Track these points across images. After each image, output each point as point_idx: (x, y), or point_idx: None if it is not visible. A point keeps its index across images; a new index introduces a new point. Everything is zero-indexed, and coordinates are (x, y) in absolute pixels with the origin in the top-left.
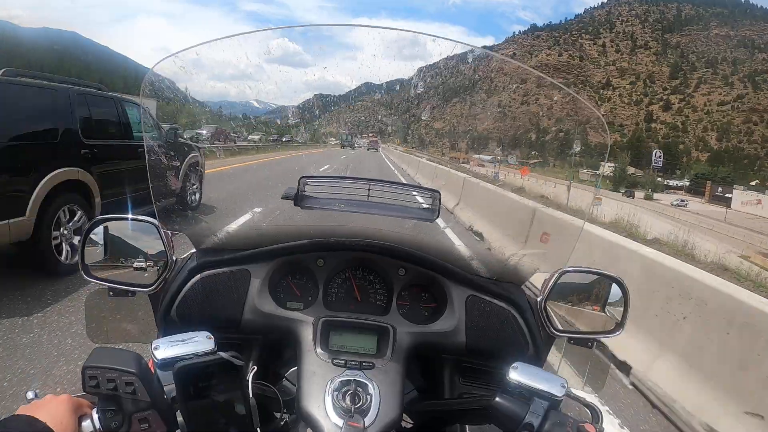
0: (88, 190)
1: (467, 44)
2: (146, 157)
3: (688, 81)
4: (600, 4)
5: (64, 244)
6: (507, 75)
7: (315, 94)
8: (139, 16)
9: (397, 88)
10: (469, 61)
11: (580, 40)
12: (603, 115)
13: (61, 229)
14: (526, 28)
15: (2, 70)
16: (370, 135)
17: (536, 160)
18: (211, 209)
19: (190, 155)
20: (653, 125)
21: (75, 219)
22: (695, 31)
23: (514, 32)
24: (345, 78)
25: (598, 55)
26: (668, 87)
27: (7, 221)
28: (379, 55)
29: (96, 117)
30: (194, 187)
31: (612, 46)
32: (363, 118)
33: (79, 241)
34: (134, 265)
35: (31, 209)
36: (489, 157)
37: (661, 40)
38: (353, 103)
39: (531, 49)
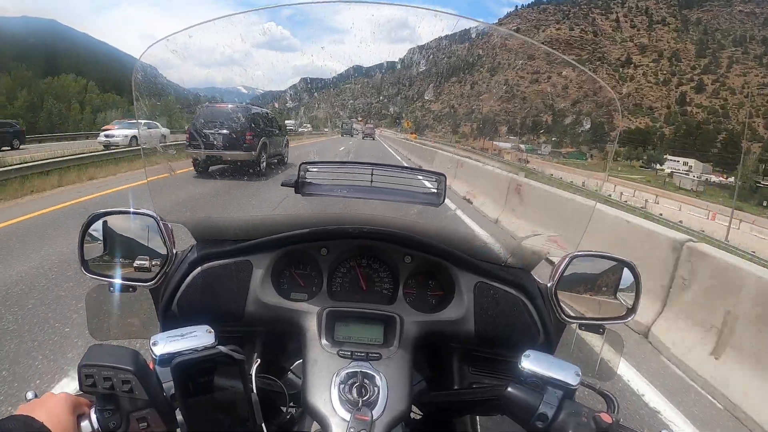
0: (266, 145)
1: (471, 19)
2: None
3: (719, 60)
4: None
5: (262, 165)
6: (511, 51)
7: (302, 78)
8: (124, 4)
9: (398, 66)
10: (473, 35)
11: (591, 15)
12: (629, 96)
13: (266, 155)
14: (531, 2)
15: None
16: (359, 119)
17: (569, 150)
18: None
19: (287, 136)
20: (687, 108)
21: (265, 156)
22: (717, 7)
23: (516, 6)
24: (333, 61)
25: (613, 30)
26: (697, 66)
27: (250, 153)
28: (369, 38)
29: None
30: (286, 153)
31: (626, 22)
32: (352, 101)
33: (264, 158)
34: (134, 260)
35: (258, 150)
36: (509, 145)
37: (679, 16)
38: (342, 85)
39: (537, 23)
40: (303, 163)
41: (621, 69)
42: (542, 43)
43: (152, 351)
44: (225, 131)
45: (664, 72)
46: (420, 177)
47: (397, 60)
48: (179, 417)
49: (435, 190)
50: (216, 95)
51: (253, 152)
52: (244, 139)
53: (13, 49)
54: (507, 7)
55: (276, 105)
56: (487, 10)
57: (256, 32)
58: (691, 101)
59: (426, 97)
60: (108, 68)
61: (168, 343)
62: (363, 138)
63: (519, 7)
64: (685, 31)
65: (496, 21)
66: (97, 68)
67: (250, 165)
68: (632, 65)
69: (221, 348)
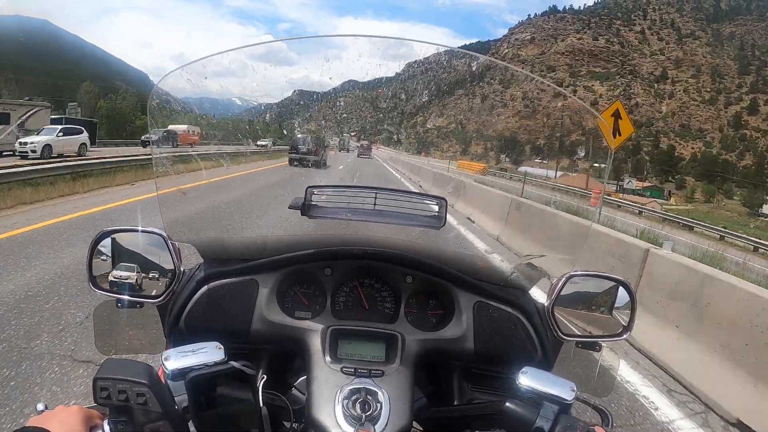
0: (321, 154)
1: (469, 52)
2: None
3: (766, 78)
4: None
5: (321, 163)
6: (527, 63)
7: (295, 91)
8: (119, 11)
9: (396, 81)
10: (474, 68)
11: (614, 25)
12: (673, 116)
13: (322, 157)
14: (545, 10)
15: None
16: (353, 134)
17: (645, 184)
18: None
19: (327, 145)
20: (746, 132)
21: (322, 158)
22: (750, 21)
23: (529, 14)
24: (330, 76)
25: (639, 42)
26: (743, 84)
27: (318, 157)
28: (366, 53)
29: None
30: (327, 160)
31: (653, 34)
32: (345, 115)
33: (322, 159)
34: (142, 277)
35: (320, 156)
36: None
37: (709, 30)
38: (338, 99)
39: (554, 32)
40: (309, 186)
41: (656, 84)
42: (564, 53)
43: (164, 366)
44: (307, 146)
45: (708, 89)
46: (421, 201)
47: (394, 74)
48: (191, 429)
49: (436, 214)
50: (212, 106)
51: (318, 157)
52: (315, 151)
53: (1, 46)
54: (503, 28)
55: (273, 124)
56: (483, 30)
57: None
58: (746, 123)
59: (429, 126)
60: (94, 69)
61: (180, 359)
62: (358, 156)
63: (532, 15)
64: (719, 45)
65: (507, 31)
66: (83, 69)
67: (317, 162)
68: (669, 81)
69: (234, 363)
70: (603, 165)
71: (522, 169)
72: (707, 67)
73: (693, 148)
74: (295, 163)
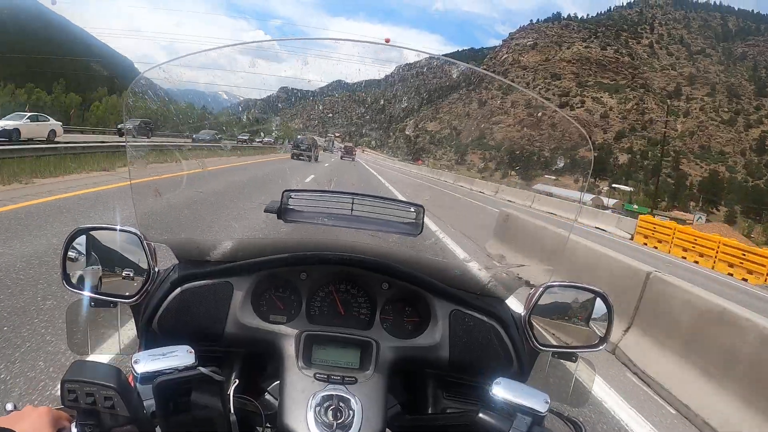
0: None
1: (454, 61)
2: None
3: None
4: (626, 3)
5: (315, 158)
6: (529, 69)
7: (281, 88)
8: None
9: (384, 84)
10: (454, 76)
11: (622, 36)
12: (692, 136)
13: (313, 154)
14: (548, 16)
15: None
16: (337, 135)
17: (698, 214)
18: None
19: (318, 145)
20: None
21: (317, 155)
22: (762, 42)
23: (531, 20)
24: (317, 75)
25: (648, 56)
26: (761, 106)
27: (310, 153)
28: (356, 56)
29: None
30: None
31: (661, 48)
32: (331, 115)
33: (317, 156)
34: (116, 276)
35: (316, 153)
36: (588, 196)
37: (719, 48)
38: (323, 98)
39: (558, 39)
40: (286, 190)
41: (669, 101)
42: (570, 61)
43: (134, 369)
44: (306, 144)
45: (725, 110)
46: (399, 207)
47: (383, 77)
48: None
49: (413, 221)
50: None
51: (313, 154)
52: (312, 149)
53: None
54: (495, 39)
55: (250, 115)
56: (474, 39)
57: (243, 39)
58: None
59: (407, 132)
60: (77, 52)
61: (149, 362)
62: (341, 158)
63: (535, 21)
64: (732, 65)
65: (507, 35)
66: (67, 51)
67: (311, 157)
68: (683, 97)
69: (202, 369)
70: (624, 187)
71: (537, 186)
72: (722, 86)
73: (717, 172)
74: (295, 157)
